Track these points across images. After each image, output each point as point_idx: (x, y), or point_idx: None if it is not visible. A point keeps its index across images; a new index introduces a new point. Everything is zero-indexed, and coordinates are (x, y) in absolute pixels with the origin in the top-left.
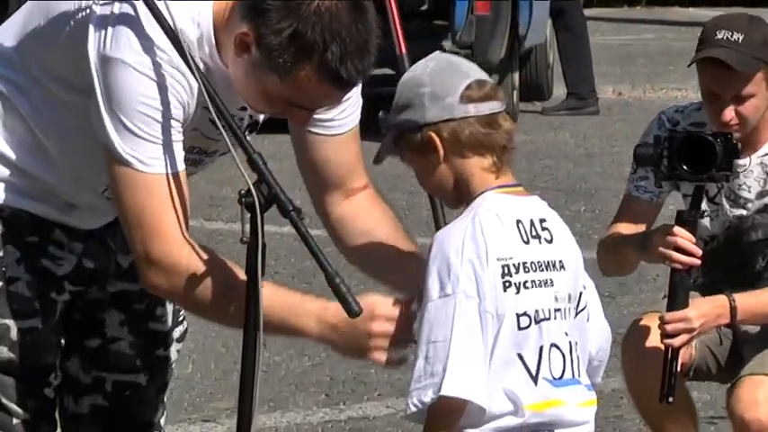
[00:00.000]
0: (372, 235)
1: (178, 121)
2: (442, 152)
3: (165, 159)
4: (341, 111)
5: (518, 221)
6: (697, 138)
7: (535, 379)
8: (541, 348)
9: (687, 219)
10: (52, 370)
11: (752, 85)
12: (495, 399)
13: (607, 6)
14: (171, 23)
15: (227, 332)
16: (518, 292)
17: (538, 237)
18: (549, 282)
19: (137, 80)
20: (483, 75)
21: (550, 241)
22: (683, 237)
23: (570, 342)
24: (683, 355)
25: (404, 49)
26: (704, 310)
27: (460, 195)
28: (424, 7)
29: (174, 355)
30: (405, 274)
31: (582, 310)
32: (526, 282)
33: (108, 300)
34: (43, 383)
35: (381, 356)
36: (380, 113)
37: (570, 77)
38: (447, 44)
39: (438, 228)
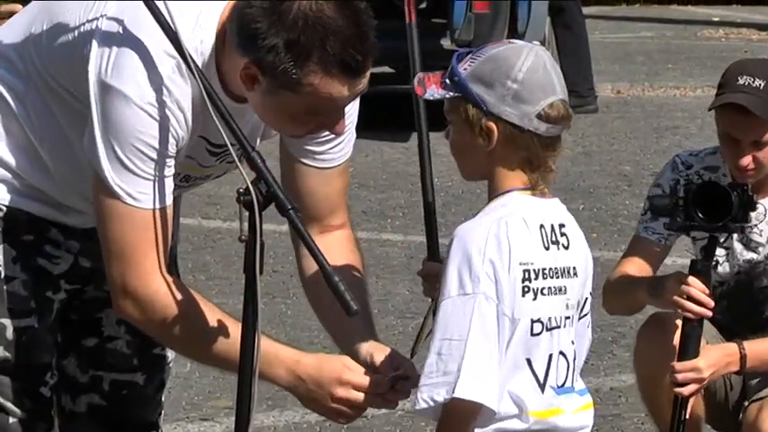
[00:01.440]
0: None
1: (172, 157)
2: (493, 145)
3: (155, 195)
4: (336, 144)
5: (541, 226)
6: (713, 187)
7: (543, 386)
8: (551, 356)
9: (701, 269)
10: (48, 369)
11: None
12: (501, 401)
13: (605, 4)
14: (173, 25)
15: None
16: (535, 299)
17: (557, 242)
18: (562, 289)
19: (135, 115)
20: (565, 92)
21: (567, 247)
22: (696, 287)
23: (575, 350)
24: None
25: (414, 18)
26: (714, 359)
27: (486, 181)
28: (423, 5)
29: (170, 353)
30: (346, 337)
31: (584, 315)
32: (543, 288)
33: (105, 299)
34: (39, 382)
35: (340, 420)
36: (455, 55)
37: (569, 75)
38: (445, 42)
39: (429, 226)
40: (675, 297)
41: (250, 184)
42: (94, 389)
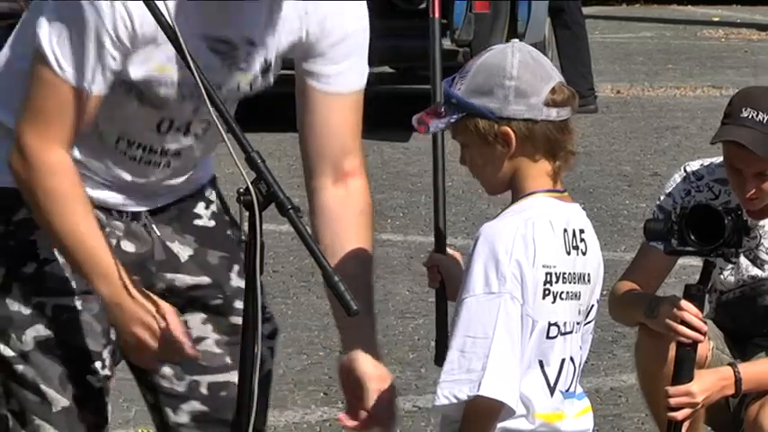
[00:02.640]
0: (336, 254)
1: (115, 48)
2: (513, 148)
3: (83, 75)
4: (342, 66)
5: (565, 230)
6: (707, 209)
7: (552, 390)
8: (563, 361)
9: (695, 294)
10: (98, 358)
11: None
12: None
13: (605, 4)
14: (168, 20)
15: None
16: (554, 302)
17: (577, 248)
18: (578, 294)
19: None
20: (560, 76)
21: (585, 253)
22: (689, 312)
23: (581, 355)
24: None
25: (437, 14)
26: (708, 384)
27: (510, 189)
28: (423, 5)
29: (265, 352)
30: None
31: (589, 321)
32: (562, 293)
33: (184, 303)
34: (86, 370)
35: (141, 334)
36: (444, 83)
37: (569, 75)
38: (446, 42)
39: (438, 222)
40: (669, 321)
41: (250, 185)
42: (194, 395)
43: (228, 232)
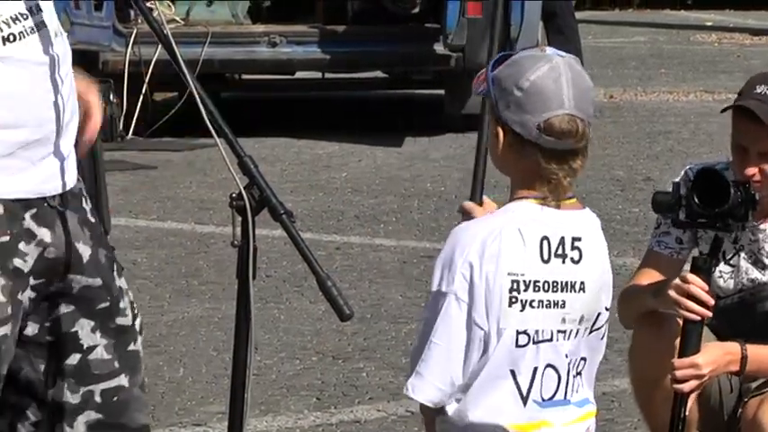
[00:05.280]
0: None
1: None
2: (500, 148)
3: None
4: None
5: (544, 238)
6: (712, 174)
7: (525, 399)
8: (535, 369)
9: (702, 266)
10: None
11: None
12: (479, 411)
13: (598, 9)
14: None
15: (218, 336)
16: (522, 310)
17: (563, 256)
18: (559, 303)
19: None
20: (585, 107)
21: (577, 261)
22: (696, 284)
23: (570, 363)
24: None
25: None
26: (714, 356)
27: (511, 183)
28: (416, 10)
29: (140, 349)
30: None
31: (598, 328)
32: (533, 301)
33: (74, 311)
34: None
35: None
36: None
37: None
38: (438, 47)
39: (477, 170)
40: (675, 295)
41: (243, 190)
42: (89, 406)
43: (102, 230)
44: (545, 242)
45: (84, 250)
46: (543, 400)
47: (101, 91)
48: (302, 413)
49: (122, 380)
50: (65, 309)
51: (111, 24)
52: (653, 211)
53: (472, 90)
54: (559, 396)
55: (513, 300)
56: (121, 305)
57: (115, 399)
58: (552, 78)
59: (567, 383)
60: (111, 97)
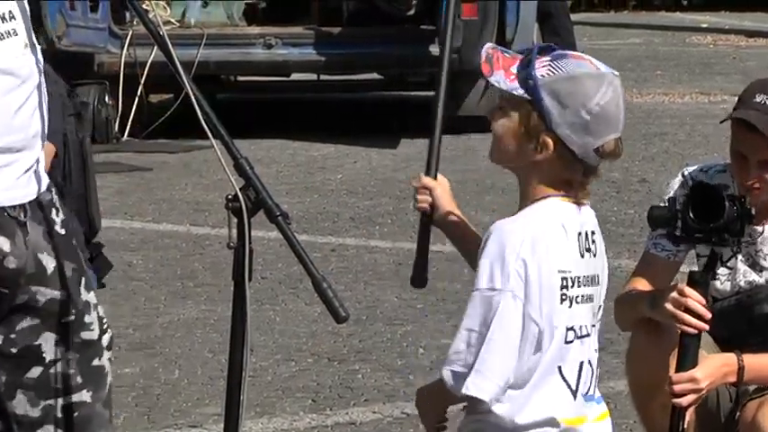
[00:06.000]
0: None
1: None
2: (542, 158)
3: None
4: None
5: (579, 233)
6: (708, 189)
7: (575, 394)
8: (581, 364)
9: (699, 280)
10: None
11: None
12: (532, 408)
13: (594, 11)
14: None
15: (214, 337)
16: (570, 306)
17: (589, 250)
18: (591, 297)
19: None
20: (621, 128)
21: (595, 255)
22: (693, 298)
23: (597, 358)
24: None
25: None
26: (712, 369)
27: (526, 183)
28: (411, 12)
29: (107, 364)
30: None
31: (598, 322)
32: (578, 297)
33: (40, 324)
34: None
35: None
36: (535, 50)
37: None
38: (434, 49)
39: (432, 146)
40: (671, 307)
41: (239, 191)
42: (49, 420)
43: (74, 242)
44: (580, 237)
45: (49, 262)
46: (584, 394)
47: (97, 92)
48: (298, 415)
49: (85, 395)
50: (30, 321)
51: (106, 26)
52: (649, 226)
53: (487, 79)
54: (591, 391)
55: (564, 297)
56: (87, 319)
57: (76, 414)
58: (615, 103)
59: (596, 378)
60: (107, 99)
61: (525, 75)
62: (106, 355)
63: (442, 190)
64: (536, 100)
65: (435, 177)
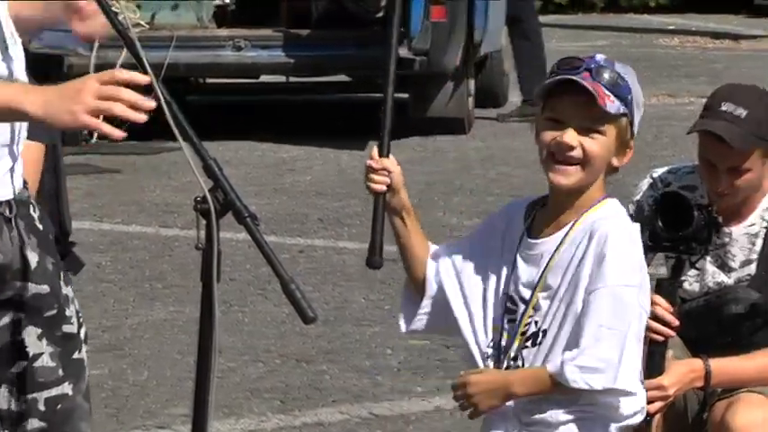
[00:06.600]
0: None
1: None
2: (625, 162)
3: None
4: None
5: None
6: (677, 198)
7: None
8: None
9: (666, 287)
10: None
11: (748, 161)
12: (639, 397)
13: (562, 13)
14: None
15: (183, 339)
16: None
17: None
18: None
19: None
20: None
21: None
22: (661, 306)
23: None
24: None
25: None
26: (678, 375)
27: (585, 189)
28: (380, 14)
29: (86, 357)
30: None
31: None
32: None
33: (24, 318)
34: None
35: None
36: (609, 65)
37: (525, 84)
38: (403, 50)
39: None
40: None
41: (207, 193)
42: (31, 413)
43: (51, 237)
44: None
45: (32, 257)
46: None
47: None
48: (265, 416)
49: (66, 388)
50: (13, 316)
51: None
52: None
53: (605, 105)
54: None
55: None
56: (67, 313)
57: (59, 407)
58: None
59: None
60: None
61: (624, 93)
62: (84, 348)
63: (399, 174)
64: (630, 112)
65: (387, 155)
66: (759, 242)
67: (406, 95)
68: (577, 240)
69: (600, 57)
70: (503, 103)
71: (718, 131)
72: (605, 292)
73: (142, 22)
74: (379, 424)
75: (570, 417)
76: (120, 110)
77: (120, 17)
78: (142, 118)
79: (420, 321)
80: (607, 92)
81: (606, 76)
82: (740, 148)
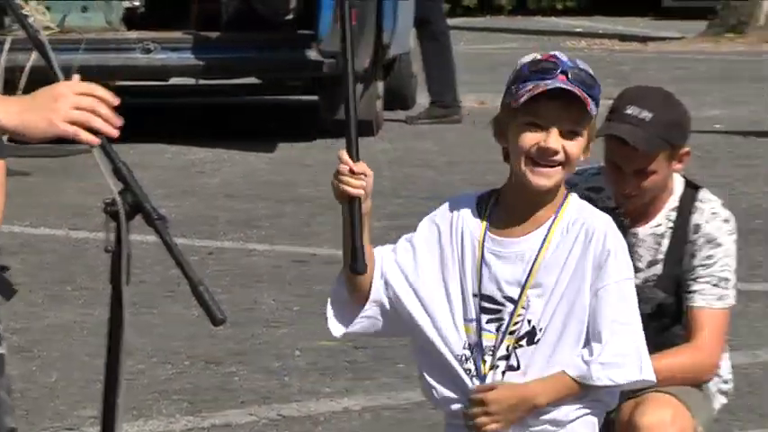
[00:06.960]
0: None
1: None
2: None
3: None
4: None
5: None
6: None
7: None
8: None
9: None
10: None
11: (654, 164)
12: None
13: (470, 16)
14: (35, 34)
15: (92, 341)
16: None
17: None
18: None
19: None
20: None
21: None
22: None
23: None
24: None
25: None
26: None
27: (556, 188)
28: (290, 16)
29: (6, 352)
30: None
31: None
32: None
33: None
34: None
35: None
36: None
37: (434, 86)
38: (312, 53)
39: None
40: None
41: (117, 195)
42: None
43: None
44: None
45: None
46: None
47: None
48: (174, 417)
49: None
50: None
51: None
52: None
53: (589, 108)
54: None
55: None
56: None
57: None
58: None
59: None
60: None
61: (595, 92)
62: (4, 343)
63: (371, 178)
64: (595, 110)
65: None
66: (665, 242)
67: (316, 98)
68: (570, 238)
69: (563, 57)
70: (411, 105)
71: (623, 135)
72: (614, 288)
73: (52, 25)
74: (287, 425)
75: (579, 414)
76: (99, 123)
77: (30, 20)
78: (116, 133)
79: (359, 324)
80: (585, 94)
81: (582, 77)
82: (646, 150)
